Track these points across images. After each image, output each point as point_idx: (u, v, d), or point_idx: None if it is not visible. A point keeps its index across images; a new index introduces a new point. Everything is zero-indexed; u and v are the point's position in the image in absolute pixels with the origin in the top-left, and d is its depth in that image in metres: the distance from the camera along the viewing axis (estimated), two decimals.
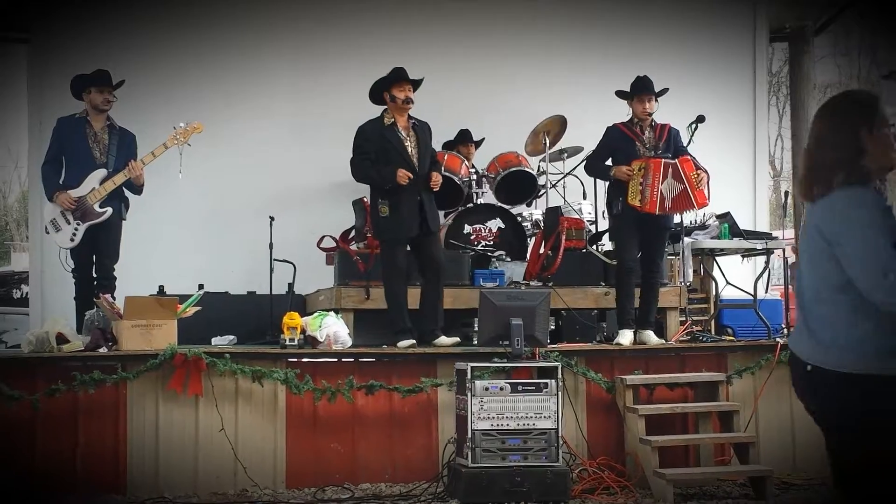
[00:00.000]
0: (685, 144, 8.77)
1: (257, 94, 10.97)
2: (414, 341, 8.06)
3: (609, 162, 8.59)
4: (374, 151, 8.19)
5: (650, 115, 8.53)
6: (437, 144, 9.13)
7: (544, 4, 11.61)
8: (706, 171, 8.47)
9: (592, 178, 9.66)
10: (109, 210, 8.51)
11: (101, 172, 8.53)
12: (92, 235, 8.51)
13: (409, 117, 8.31)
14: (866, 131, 3.73)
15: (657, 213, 8.28)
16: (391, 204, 8.18)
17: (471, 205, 9.89)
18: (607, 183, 8.74)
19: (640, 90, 8.55)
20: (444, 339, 8.16)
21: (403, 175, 8.04)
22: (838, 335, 3.67)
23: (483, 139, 10.51)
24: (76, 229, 8.46)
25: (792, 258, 10.37)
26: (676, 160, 8.34)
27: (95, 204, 8.46)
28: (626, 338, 8.36)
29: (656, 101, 8.57)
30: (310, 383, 7.51)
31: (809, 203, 3.81)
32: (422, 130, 8.38)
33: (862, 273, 3.56)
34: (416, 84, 8.28)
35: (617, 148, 8.58)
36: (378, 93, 8.29)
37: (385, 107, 8.29)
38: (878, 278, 3.51)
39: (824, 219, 3.70)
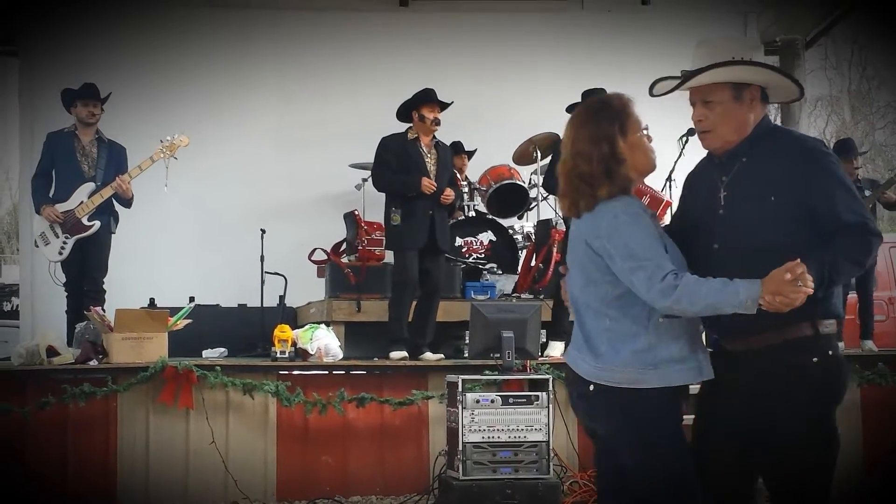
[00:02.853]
0: (676, 158, 8.78)
1: (246, 107, 10.99)
2: (406, 354, 8.07)
3: None
4: (395, 163, 8.26)
5: None
6: None
7: (534, 18, 11.65)
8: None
9: None
10: (97, 224, 8.51)
11: (90, 186, 8.54)
12: (81, 249, 8.51)
13: (433, 137, 8.38)
14: (621, 138, 3.66)
15: None
16: (403, 213, 8.25)
17: (462, 217, 9.90)
18: None
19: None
20: (429, 356, 8.19)
21: (428, 184, 8.12)
22: (620, 349, 3.58)
23: (475, 150, 10.52)
24: (64, 243, 8.47)
25: None
26: (664, 201, 8.42)
27: (83, 217, 8.47)
28: (556, 350, 8.42)
29: None
30: (300, 396, 7.50)
31: (576, 218, 3.71)
32: (444, 151, 8.49)
33: (638, 281, 3.50)
34: (443, 106, 8.37)
35: None
36: (407, 111, 8.36)
37: (410, 125, 8.38)
38: (655, 283, 3.45)
39: (592, 234, 3.62)
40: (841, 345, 3.81)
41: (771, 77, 3.74)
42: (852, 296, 9.71)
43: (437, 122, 8.28)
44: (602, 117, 3.70)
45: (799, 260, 3.34)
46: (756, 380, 3.60)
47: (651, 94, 3.92)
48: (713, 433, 3.73)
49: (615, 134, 3.66)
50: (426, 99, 8.31)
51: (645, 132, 3.74)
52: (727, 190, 3.71)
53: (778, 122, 8.80)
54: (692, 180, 4.02)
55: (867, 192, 9.13)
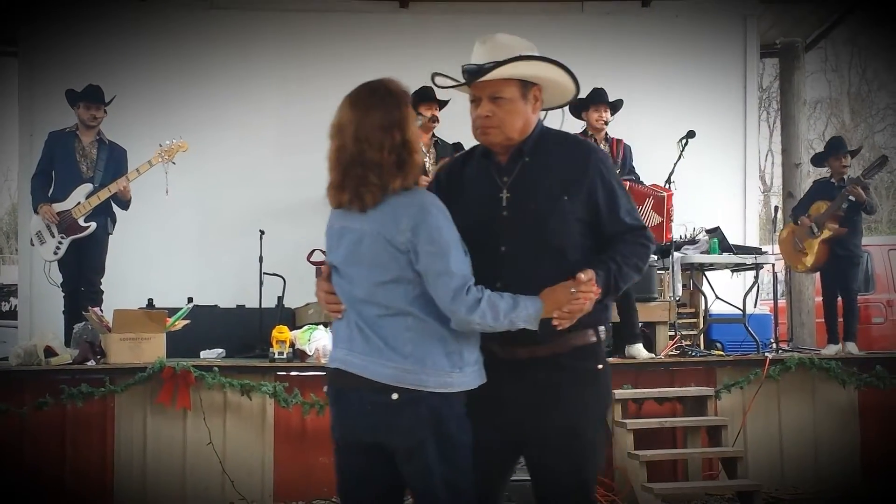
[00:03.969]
0: (676, 160, 8.79)
1: (246, 108, 11.00)
2: None
3: None
4: None
5: (606, 124, 8.52)
6: None
7: (534, 21, 11.62)
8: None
9: None
10: (94, 225, 8.51)
11: (87, 187, 8.54)
12: (77, 249, 8.52)
13: (433, 135, 8.37)
14: (410, 128, 3.50)
15: None
16: None
17: None
18: None
19: (595, 100, 8.51)
20: None
21: (426, 183, 8.08)
22: (430, 350, 3.35)
23: None
24: (60, 243, 8.47)
25: (781, 273, 10.41)
26: (665, 194, 8.36)
27: (80, 218, 8.47)
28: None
29: (610, 112, 8.55)
30: (298, 397, 7.50)
31: (358, 212, 3.46)
32: (443, 149, 8.46)
33: (442, 289, 3.32)
34: (442, 105, 8.37)
35: None
36: None
37: None
38: (460, 295, 3.31)
39: (393, 228, 3.36)
40: (836, 347, 3.83)
41: (556, 74, 3.67)
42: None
43: (434, 120, 8.26)
44: (391, 103, 3.47)
45: (589, 270, 3.41)
46: (542, 386, 3.53)
47: (435, 85, 3.79)
48: (489, 441, 3.54)
49: (406, 121, 3.46)
50: (423, 97, 8.27)
51: (420, 120, 3.69)
52: (510, 191, 3.62)
53: (778, 125, 8.78)
54: (452, 179, 3.83)
55: (851, 196, 9.08)
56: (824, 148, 9.79)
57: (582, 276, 3.38)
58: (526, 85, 3.64)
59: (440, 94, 8.33)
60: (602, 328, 3.65)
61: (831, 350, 8.95)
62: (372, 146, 3.41)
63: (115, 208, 8.74)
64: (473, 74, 3.61)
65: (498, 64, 3.56)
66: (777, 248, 9.66)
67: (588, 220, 3.58)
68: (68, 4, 10.78)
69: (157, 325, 7.71)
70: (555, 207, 3.54)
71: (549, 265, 3.49)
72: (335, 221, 3.59)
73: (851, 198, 9.00)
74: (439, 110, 8.35)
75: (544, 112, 3.78)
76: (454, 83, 3.69)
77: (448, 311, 3.33)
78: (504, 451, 3.65)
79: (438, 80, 3.74)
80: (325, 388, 3.56)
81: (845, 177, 9.32)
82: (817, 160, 9.76)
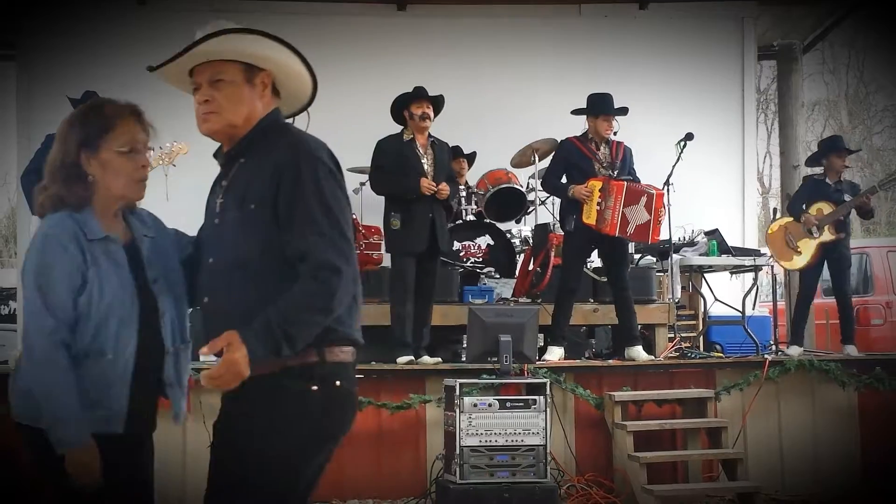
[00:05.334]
0: (674, 162, 8.80)
1: None
2: (412, 357, 8.06)
3: (564, 179, 8.56)
4: (390, 165, 8.25)
5: (615, 133, 8.50)
6: None
7: (531, 23, 11.65)
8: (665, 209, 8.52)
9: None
10: None
11: None
12: None
13: (429, 136, 8.35)
14: (90, 152, 3.25)
15: (616, 235, 8.27)
16: (403, 218, 8.21)
17: (460, 221, 9.90)
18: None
19: (607, 110, 8.45)
20: (426, 359, 8.20)
21: (428, 184, 8.08)
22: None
23: (474, 153, 10.48)
24: None
25: (781, 274, 10.40)
26: (654, 192, 8.36)
27: None
28: (554, 354, 8.36)
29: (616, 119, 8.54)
30: None
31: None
32: (440, 150, 8.43)
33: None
34: (437, 103, 8.33)
35: (573, 164, 8.51)
36: (398, 112, 8.35)
37: (405, 126, 8.35)
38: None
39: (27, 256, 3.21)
40: (809, 349, 3.59)
41: (284, 56, 3.32)
42: (831, 301, 9.64)
43: (425, 118, 8.20)
44: (78, 121, 3.33)
45: (235, 333, 3.01)
46: (251, 405, 3.16)
47: (149, 69, 3.47)
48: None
49: (86, 144, 3.26)
50: (414, 96, 8.27)
51: (142, 154, 3.40)
52: (223, 196, 3.32)
53: (776, 127, 8.78)
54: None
55: (847, 197, 9.04)
56: (821, 145, 9.68)
57: (205, 348, 3.07)
58: (251, 69, 3.28)
59: (432, 92, 8.33)
60: (341, 348, 3.20)
61: (795, 352, 8.82)
62: (51, 161, 3.35)
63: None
64: (178, 55, 3.30)
65: (209, 36, 3.25)
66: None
67: (276, 234, 3.15)
68: (67, 8, 10.78)
69: None
70: (244, 216, 3.19)
71: (242, 281, 3.16)
72: None
73: (863, 205, 9.00)
74: (434, 109, 8.30)
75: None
76: (161, 63, 3.38)
77: None
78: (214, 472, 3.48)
79: (151, 68, 3.43)
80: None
81: (842, 177, 9.25)
82: (814, 158, 9.64)
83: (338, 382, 3.15)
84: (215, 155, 3.49)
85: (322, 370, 3.15)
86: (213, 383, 3.03)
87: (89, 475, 3.27)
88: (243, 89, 3.27)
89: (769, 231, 9.37)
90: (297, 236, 3.09)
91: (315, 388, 3.15)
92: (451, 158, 8.78)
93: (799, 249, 9.05)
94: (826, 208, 9.03)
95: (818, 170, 9.49)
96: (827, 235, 8.97)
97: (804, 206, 9.13)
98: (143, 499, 3.55)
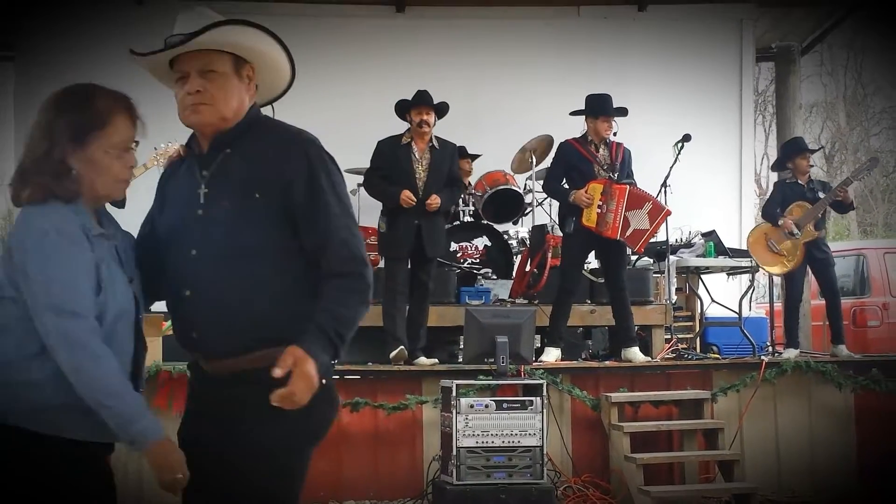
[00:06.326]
0: (672, 164, 8.82)
1: None
2: (403, 349, 8.05)
3: (564, 182, 8.56)
4: (384, 168, 8.26)
5: (615, 134, 8.48)
6: None
7: (530, 25, 11.67)
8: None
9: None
10: None
11: None
12: None
13: (432, 140, 8.33)
14: (76, 145, 3.07)
15: (616, 238, 8.27)
16: (388, 222, 8.26)
17: (457, 222, 9.90)
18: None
19: (606, 111, 8.43)
20: (423, 360, 8.21)
21: (406, 198, 8.06)
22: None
23: (479, 155, 10.46)
24: None
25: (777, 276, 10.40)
26: (665, 208, 8.38)
27: None
28: (551, 355, 8.35)
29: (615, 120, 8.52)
30: None
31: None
32: (440, 154, 8.36)
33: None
34: (440, 109, 8.32)
35: (572, 166, 8.49)
36: (402, 113, 8.38)
37: (409, 126, 8.36)
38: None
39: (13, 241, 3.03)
40: (805, 350, 3.57)
41: (272, 49, 3.28)
42: (822, 302, 9.61)
43: (423, 125, 8.19)
44: (66, 109, 3.14)
45: (298, 347, 2.91)
46: (235, 403, 3.12)
47: (137, 54, 3.33)
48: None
49: (72, 136, 3.07)
50: (415, 101, 8.28)
51: (131, 153, 3.28)
52: (208, 186, 3.21)
53: (773, 129, 8.78)
54: (167, 179, 3.52)
55: (820, 194, 8.99)
56: (784, 148, 9.64)
57: (277, 370, 2.89)
58: (239, 61, 3.22)
59: (431, 93, 8.33)
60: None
61: (791, 354, 8.78)
62: (28, 148, 3.15)
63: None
64: (180, 44, 3.15)
65: (212, 26, 3.12)
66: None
67: (288, 223, 3.12)
68: (65, 8, 10.79)
69: (153, 328, 7.70)
70: (246, 206, 3.12)
71: (240, 273, 3.08)
72: None
73: (838, 198, 8.95)
74: (436, 115, 8.29)
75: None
76: (156, 51, 3.25)
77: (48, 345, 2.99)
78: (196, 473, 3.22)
79: (137, 53, 3.31)
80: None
81: (810, 176, 9.20)
82: (780, 162, 9.55)
83: (323, 380, 3.02)
84: (188, 144, 3.40)
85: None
86: (291, 401, 2.92)
87: (181, 467, 3.13)
88: (233, 81, 3.22)
89: (749, 240, 9.22)
90: (322, 233, 3.10)
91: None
92: (458, 159, 8.74)
93: (784, 253, 8.98)
94: (806, 207, 8.96)
95: (786, 174, 9.42)
96: (808, 235, 8.92)
97: (779, 210, 9.05)
98: None
